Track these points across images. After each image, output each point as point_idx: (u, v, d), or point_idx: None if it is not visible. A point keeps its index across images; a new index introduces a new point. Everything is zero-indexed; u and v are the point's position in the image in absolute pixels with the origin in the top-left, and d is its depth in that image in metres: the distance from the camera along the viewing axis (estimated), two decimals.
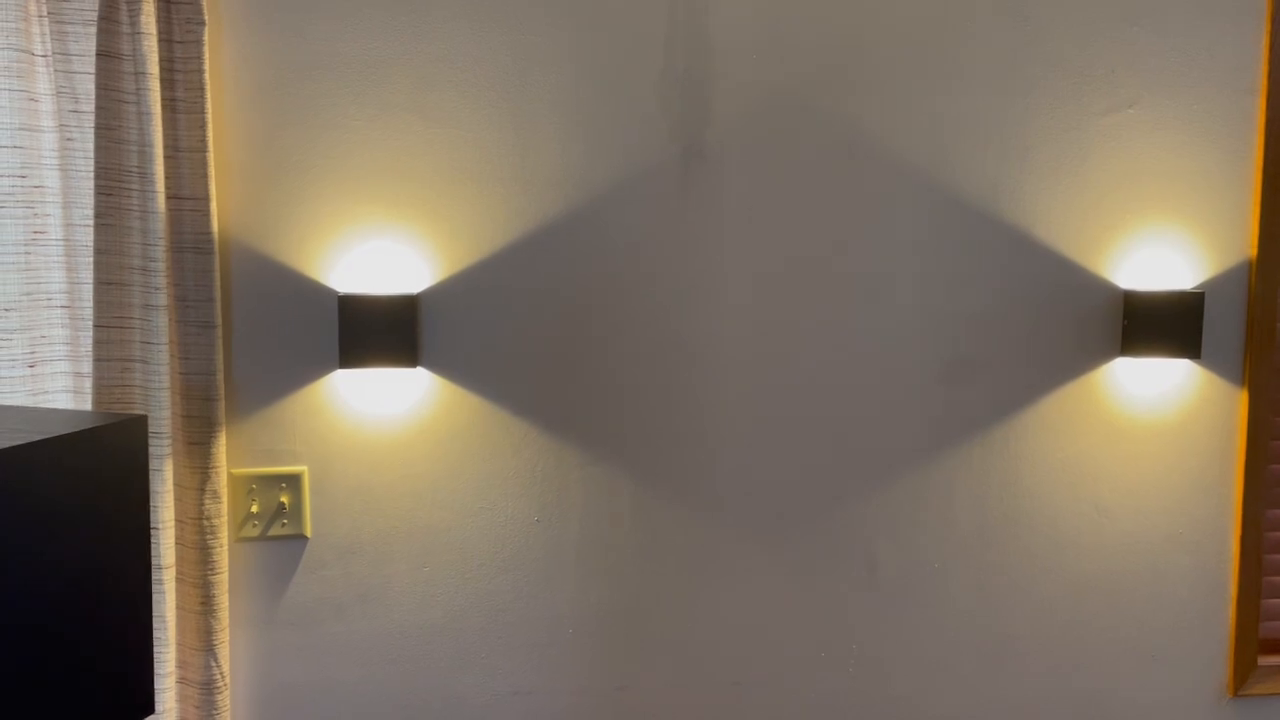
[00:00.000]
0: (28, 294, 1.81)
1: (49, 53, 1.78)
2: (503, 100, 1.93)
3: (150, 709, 1.56)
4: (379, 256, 1.92)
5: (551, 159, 1.95)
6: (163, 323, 1.79)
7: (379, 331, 1.89)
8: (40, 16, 1.77)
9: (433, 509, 1.98)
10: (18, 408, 1.68)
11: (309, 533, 1.95)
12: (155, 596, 1.81)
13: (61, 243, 1.82)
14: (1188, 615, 2.17)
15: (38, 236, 1.81)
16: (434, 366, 1.95)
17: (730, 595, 2.07)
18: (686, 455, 2.04)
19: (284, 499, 1.94)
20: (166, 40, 1.79)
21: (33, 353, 1.82)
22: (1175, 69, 2.06)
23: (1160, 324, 2.06)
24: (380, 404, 1.95)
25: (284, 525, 1.95)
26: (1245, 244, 2.10)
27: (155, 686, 1.80)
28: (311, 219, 1.90)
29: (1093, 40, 2.04)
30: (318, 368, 1.92)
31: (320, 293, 1.91)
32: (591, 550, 2.03)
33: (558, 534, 2.01)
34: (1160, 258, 2.09)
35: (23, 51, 1.76)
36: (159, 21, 1.77)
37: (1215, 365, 2.12)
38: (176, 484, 1.85)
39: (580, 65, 1.94)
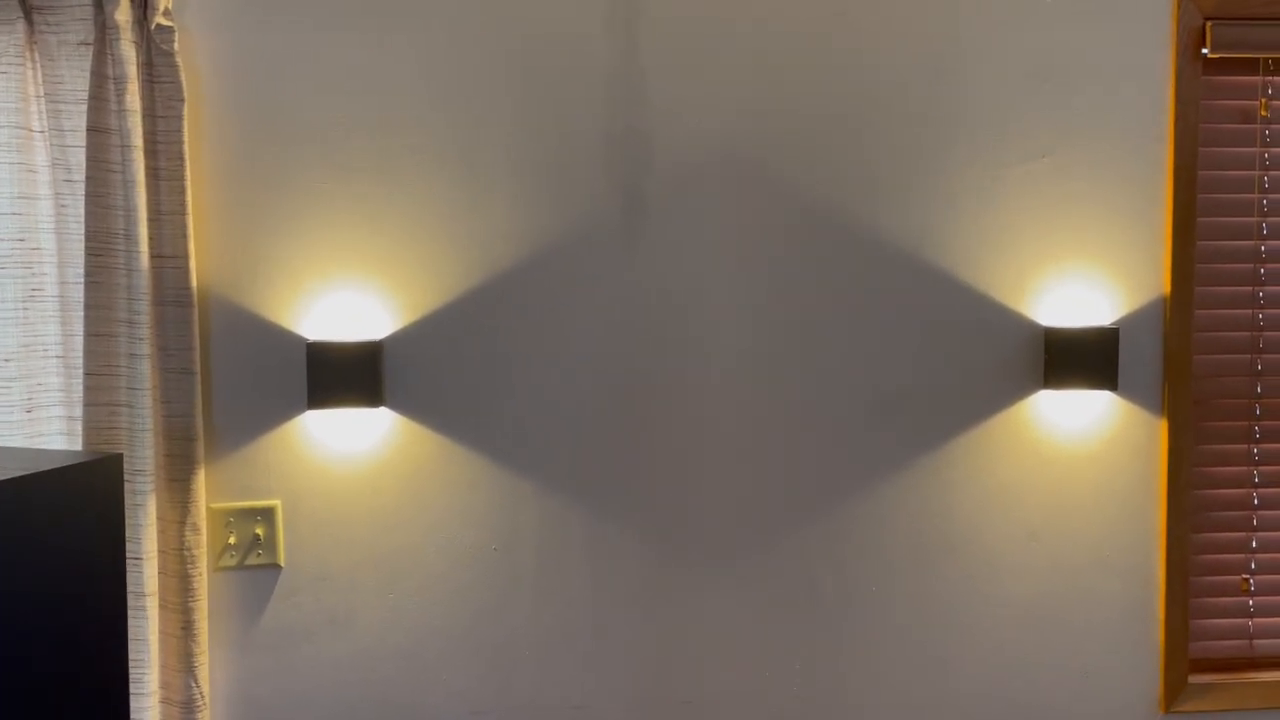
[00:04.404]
0: (26, 345, 1.99)
1: (45, 129, 1.98)
2: (456, 160, 2.11)
3: None
4: (345, 306, 2.10)
5: (502, 214, 2.12)
6: (146, 370, 1.97)
7: (345, 375, 2.06)
8: (38, 96, 1.97)
9: (396, 539, 2.13)
10: (11, 448, 1.86)
11: (282, 562, 2.11)
12: (139, 622, 1.97)
13: (56, 299, 2.01)
14: (1118, 635, 2.27)
15: (35, 294, 2.00)
16: (397, 407, 2.12)
17: (679, 619, 2.21)
18: (635, 488, 2.18)
19: (259, 531, 2.10)
20: (150, 116, 1.99)
21: (30, 399, 2.00)
22: (1086, 121, 2.20)
23: (1079, 358, 2.18)
24: (347, 442, 2.11)
25: (259, 555, 2.11)
26: (1159, 282, 2.23)
27: (139, 705, 1.97)
28: (282, 273, 2.08)
29: (1008, 95, 2.19)
30: (289, 409, 2.09)
31: (290, 340, 2.08)
32: (545, 576, 2.17)
33: (514, 561, 2.16)
34: (1078, 296, 2.22)
35: (22, 128, 1.96)
36: (143, 99, 1.97)
37: (1135, 396, 2.24)
38: (159, 518, 2.02)
39: (527, 126, 2.12)
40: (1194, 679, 2.29)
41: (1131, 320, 2.23)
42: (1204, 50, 2.19)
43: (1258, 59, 2.22)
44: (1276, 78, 2.23)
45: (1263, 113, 2.24)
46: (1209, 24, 2.18)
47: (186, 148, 2.00)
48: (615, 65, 2.12)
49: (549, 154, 2.13)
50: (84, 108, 1.95)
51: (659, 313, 2.17)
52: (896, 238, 2.20)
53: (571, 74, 2.12)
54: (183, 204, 2.00)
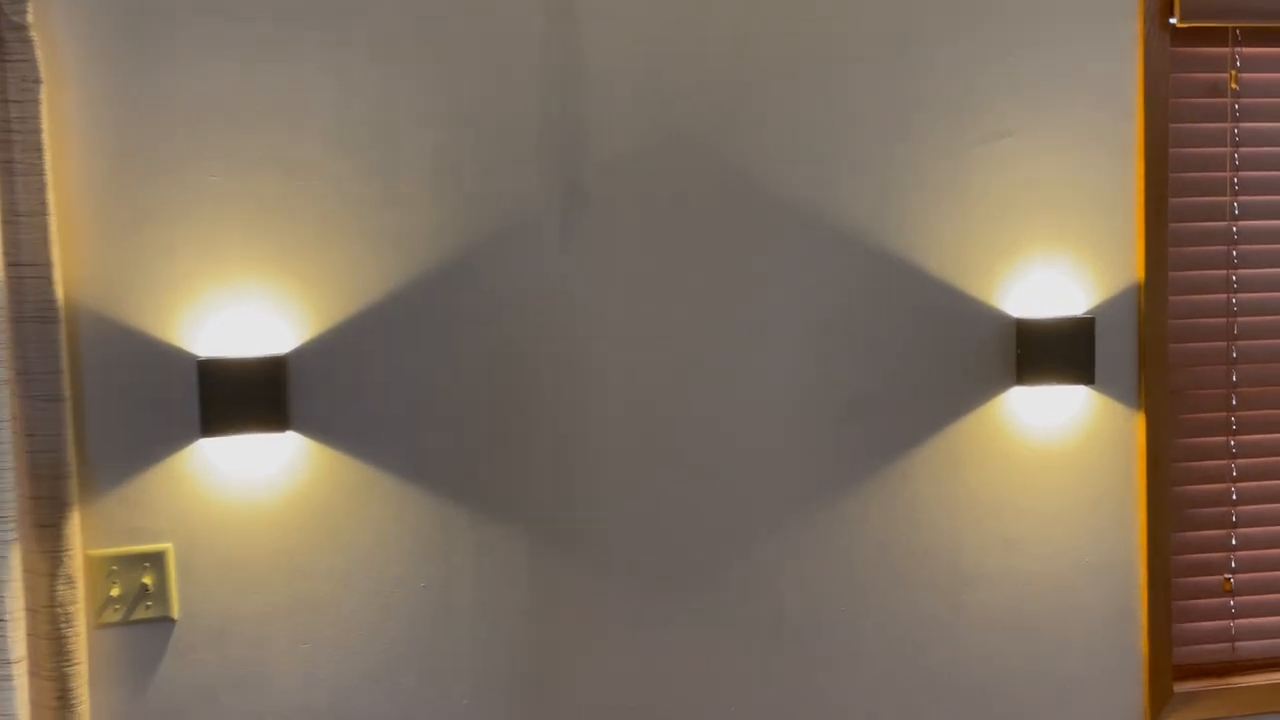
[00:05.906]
0: None
1: None
2: (370, 151, 1.86)
3: None
4: (242, 317, 1.83)
5: (423, 210, 1.88)
6: (4, 398, 1.68)
7: (245, 396, 1.80)
8: None
9: (312, 581, 1.87)
10: None
11: (176, 615, 1.83)
12: (4, 694, 1.67)
13: None
14: (1101, 644, 2.14)
15: None
16: (307, 430, 1.86)
17: (635, 653, 1.99)
18: (581, 510, 1.96)
19: (147, 580, 1.82)
20: (1, 101, 1.70)
21: None
22: (1051, 96, 2.06)
23: (1053, 351, 2.04)
24: (250, 473, 1.84)
25: (148, 608, 1.82)
26: (1132, 267, 2.10)
27: None
28: (167, 281, 1.81)
29: (969, 72, 2.04)
30: (179, 438, 1.81)
31: (179, 358, 1.81)
32: (484, 614, 1.93)
33: (447, 599, 1.92)
34: (1050, 284, 2.08)
35: None
36: None
37: (1110, 390, 2.11)
38: (26, 571, 1.73)
39: (452, 112, 1.88)
40: (1179, 687, 2.16)
41: (1105, 309, 2.10)
42: (1172, 20, 2.06)
43: (1227, 29, 2.11)
44: (1246, 49, 2.12)
45: (1233, 85, 2.12)
46: None
47: (46, 137, 1.71)
48: (551, 40, 1.90)
49: (476, 143, 1.89)
50: None
51: (600, 314, 1.95)
52: (854, 225, 2.02)
53: (504, 54, 1.89)
54: (43, 203, 1.71)
